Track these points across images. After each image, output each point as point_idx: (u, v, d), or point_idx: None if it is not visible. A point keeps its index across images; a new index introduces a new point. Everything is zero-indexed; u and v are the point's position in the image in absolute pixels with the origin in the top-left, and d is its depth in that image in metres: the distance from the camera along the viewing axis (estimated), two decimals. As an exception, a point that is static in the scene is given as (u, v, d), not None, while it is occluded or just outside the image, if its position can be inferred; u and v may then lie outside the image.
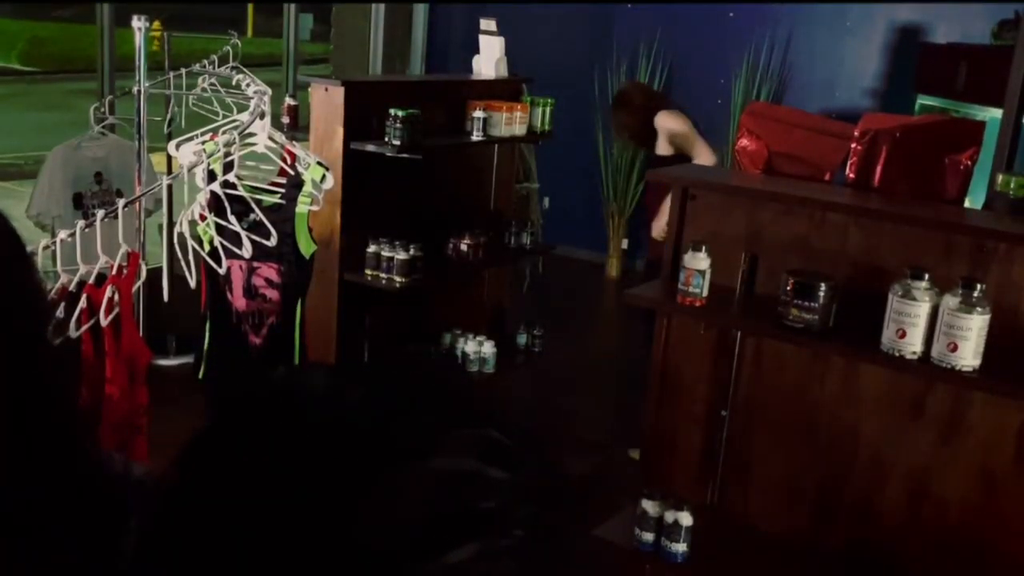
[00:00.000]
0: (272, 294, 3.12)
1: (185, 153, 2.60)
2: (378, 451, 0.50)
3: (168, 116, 4.73)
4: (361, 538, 0.47)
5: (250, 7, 17.93)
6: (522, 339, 4.88)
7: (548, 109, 4.67)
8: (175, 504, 0.53)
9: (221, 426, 0.55)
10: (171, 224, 2.78)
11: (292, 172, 3.01)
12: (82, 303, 2.18)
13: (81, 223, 2.32)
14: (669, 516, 2.61)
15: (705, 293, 2.57)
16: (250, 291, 3.14)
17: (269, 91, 3.13)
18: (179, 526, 0.52)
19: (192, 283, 2.63)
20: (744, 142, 2.94)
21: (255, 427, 0.53)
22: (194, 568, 0.50)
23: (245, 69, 3.93)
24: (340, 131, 3.93)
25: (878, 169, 2.70)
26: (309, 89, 4.16)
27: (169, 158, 3.04)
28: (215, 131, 2.78)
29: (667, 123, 4.47)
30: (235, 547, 0.49)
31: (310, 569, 0.47)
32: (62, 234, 2.25)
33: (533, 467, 0.54)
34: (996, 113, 4.04)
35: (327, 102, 3.98)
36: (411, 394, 0.55)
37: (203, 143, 2.62)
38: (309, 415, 0.52)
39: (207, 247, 2.80)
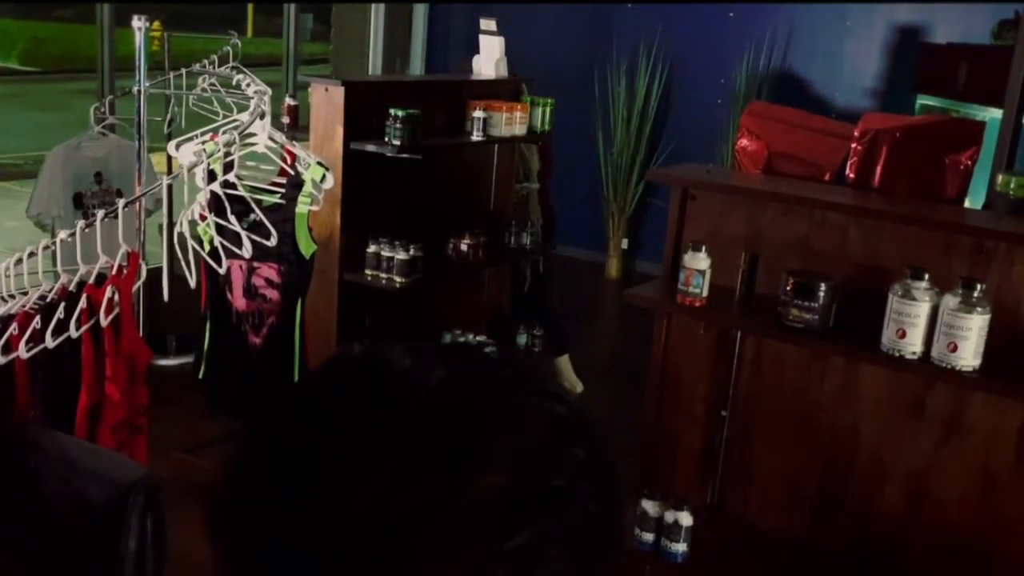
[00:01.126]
0: (272, 294, 3.12)
1: (185, 153, 2.60)
2: (461, 427, 0.51)
3: (168, 116, 4.73)
4: (449, 514, 0.47)
5: (250, 7, 17.90)
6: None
7: (548, 109, 4.67)
8: (255, 472, 0.53)
9: (307, 395, 0.55)
10: (171, 224, 2.77)
11: (292, 172, 3.01)
12: (82, 303, 2.18)
13: (81, 223, 2.32)
14: (669, 516, 2.61)
15: (705, 293, 2.57)
16: (250, 291, 3.14)
17: (269, 91, 3.12)
18: (259, 491, 0.52)
19: (192, 283, 2.63)
20: (744, 142, 2.94)
21: (342, 400, 0.53)
22: (269, 534, 0.50)
23: (245, 69, 3.93)
24: (340, 131, 3.93)
25: (878, 169, 2.70)
26: (309, 89, 4.16)
27: (169, 158, 3.04)
28: (215, 131, 2.78)
29: None
30: (313, 517, 0.49)
31: (401, 541, 0.47)
32: (62, 234, 2.25)
33: (600, 444, 0.55)
34: (996, 113, 4.04)
35: (327, 102, 3.98)
36: (489, 371, 0.56)
37: (203, 143, 2.62)
38: (396, 390, 0.53)
39: (207, 247, 2.80)
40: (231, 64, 4.23)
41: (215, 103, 4.03)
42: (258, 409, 0.56)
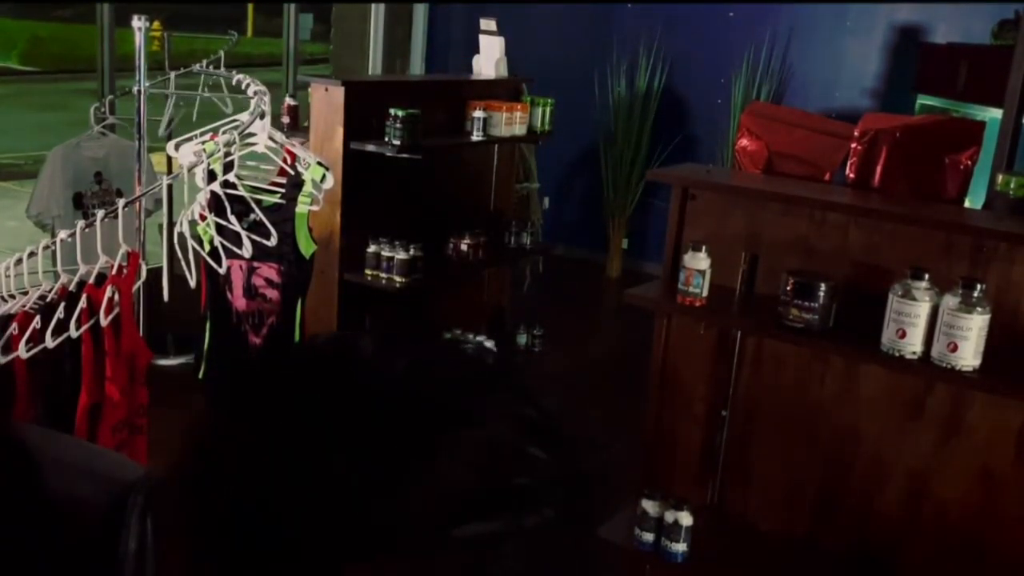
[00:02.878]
0: (272, 294, 3.12)
1: (185, 153, 2.60)
2: (423, 417, 0.50)
3: (168, 117, 4.73)
4: (403, 501, 0.47)
5: (250, 7, 17.91)
6: (522, 339, 4.88)
7: (548, 109, 4.67)
8: (215, 456, 0.53)
9: (268, 385, 0.55)
10: (171, 224, 2.78)
11: (292, 172, 3.01)
12: (82, 303, 2.18)
13: (81, 223, 2.32)
14: (669, 516, 2.61)
15: (705, 293, 2.57)
16: (250, 291, 3.14)
17: (266, 90, 3.12)
18: (221, 479, 0.51)
19: (192, 283, 2.63)
20: (744, 142, 2.94)
21: (304, 386, 0.53)
22: (233, 528, 0.49)
23: (224, 73, 3.94)
24: (340, 131, 3.93)
25: (878, 169, 2.70)
26: (309, 89, 4.16)
27: (169, 158, 3.04)
28: (215, 131, 2.78)
29: None
30: (276, 502, 0.48)
31: (354, 529, 0.47)
32: (62, 234, 2.25)
33: (569, 451, 0.55)
34: (996, 113, 4.04)
35: (327, 102, 3.98)
36: (457, 365, 0.56)
37: (203, 143, 2.62)
38: (358, 378, 0.52)
39: (207, 247, 2.80)
40: (221, 69, 4.24)
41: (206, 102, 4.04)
42: (219, 395, 0.56)
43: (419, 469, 0.48)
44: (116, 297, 2.25)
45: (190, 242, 2.62)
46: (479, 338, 4.54)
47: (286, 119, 5.31)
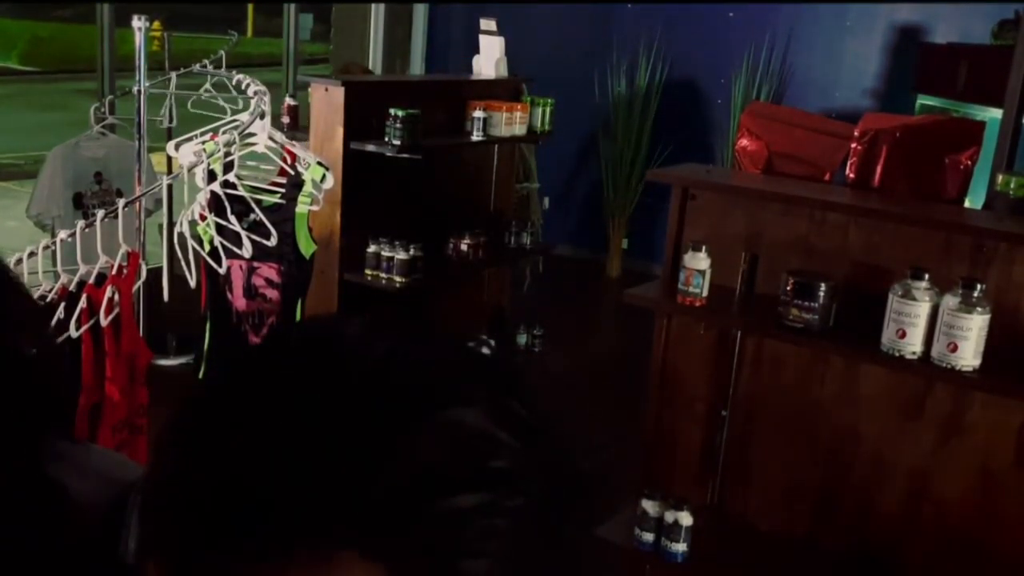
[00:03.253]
0: (272, 294, 3.12)
1: (185, 153, 2.60)
2: (402, 399, 0.51)
3: (169, 117, 4.73)
4: (379, 478, 0.48)
5: (250, 7, 17.92)
6: (522, 339, 4.88)
7: (548, 109, 4.68)
8: (198, 435, 0.53)
9: (260, 368, 0.56)
10: (171, 224, 2.78)
11: (292, 172, 3.01)
12: (82, 303, 2.18)
13: (81, 223, 2.32)
14: (669, 516, 2.61)
15: (705, 293, 2.57)
16: (250, 291, 3.14)
17: (268, 92, 3.13)
18: (202, 461, 0.51)
19: (192, 283, 2.63)
20: (744, 142, 2.94)
21: (282, 370, 0.54)
22: (219, 509, 0.50)
23: (221, 73, 3.95)
24: (340, 131, 3.93)
25: (878, 169, 2.70)
26: (309, 89, 4.16)
27: (169, 158, 3.04)
28: (215, 131, 2.78)
29: None
30: (256, 475, 0.49)
31: (332, 505, 0.48)
32: (62, 234, 2.25)
33: (546, 445, 0.55)
34: (996, 113, 4.04)
35: (327, 102, 3.98)
36: (439, 351, 0.56)
37: (203, 143, 2.62)
38: (339, 359, 0.53)
39: (207, 247, 2.80)
40: (219, 70, 4.25)
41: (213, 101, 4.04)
42: (202, 381, 0.56)
43: (390, 448, 0.49)
44: (116, 297, 2.25)
45: (190, 242, 2.62)
46: (479, 338, 4.54)
47: (286, 119, 5.32)
